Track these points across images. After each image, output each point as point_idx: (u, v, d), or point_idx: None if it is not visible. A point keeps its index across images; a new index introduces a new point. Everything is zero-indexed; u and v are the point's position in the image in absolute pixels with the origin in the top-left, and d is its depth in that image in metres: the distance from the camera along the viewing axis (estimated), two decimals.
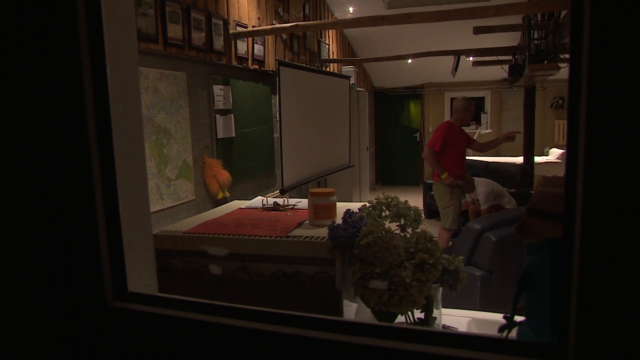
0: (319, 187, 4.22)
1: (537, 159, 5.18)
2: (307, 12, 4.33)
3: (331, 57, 5.16)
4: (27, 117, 0.54)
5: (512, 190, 4.08)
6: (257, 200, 1.24)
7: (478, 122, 7.04)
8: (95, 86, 0.53)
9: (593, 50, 0.35)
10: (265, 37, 3.62)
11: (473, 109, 3.42)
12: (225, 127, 3.05)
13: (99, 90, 0.54)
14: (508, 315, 0.56)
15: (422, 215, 0.85)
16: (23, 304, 0.57)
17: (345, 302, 0.86)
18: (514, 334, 0.57)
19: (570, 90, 0.37)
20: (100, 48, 0.53)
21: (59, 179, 0.54)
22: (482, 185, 3.86)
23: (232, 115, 3.13)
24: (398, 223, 0.84)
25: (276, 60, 3.56)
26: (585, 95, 0.35)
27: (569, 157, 0.37)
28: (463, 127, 3.46)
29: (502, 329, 0.54)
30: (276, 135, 3.68)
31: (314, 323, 0.49)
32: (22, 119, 0.55)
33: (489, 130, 6.84)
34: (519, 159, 4.90)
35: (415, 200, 5.29)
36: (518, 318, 0.57)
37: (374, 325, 0.48)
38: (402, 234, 0.82)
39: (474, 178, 3.82)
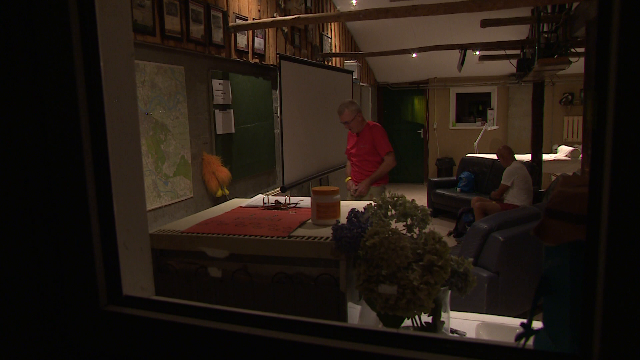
0: (320, 184, 4.20)
1: (546, 157, 5.13)
2: (308, 4, 4.27)
3: (333, 51, 5.11)
4: (16, 113, 0.52)
5: None
6: (258, 199, 1.21)
7: (484, 119, 6.97)
8: (88, 80, 0.51)
9: (624, 38, 0.32)
10: (266, 30, 3.58)
11: (339, 112, 3.04)
12: (224, 123, 3.02)
13: (92, 84, 0.51)
14: (525, 322, 0.53)
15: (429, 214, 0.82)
16: (12, 308, 0.55)
17: (350, 305, 0.84)
18: (531, 342, 0.54)
19: (597, 75, 0.34)
20: (94, 40, 0.51)
21: (50, 177, 0.51)
22: (514, 165, 3.90)
23: (232, 110, 3.09)
24: (405, 223, 0.81)
25: (277, 54, 3.52)
26: (614, 84, 0.32)
27: (594, 152, 0.35)
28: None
29: (519, 337, 0.52)
30: (277, 131, 3.65)
31: (317, 329, 0.46)
32: (10, 114, 0.52)
33: (495, 127, 6.76)
34: (527, 157, 4.85)
35: (419, 198, 5.21)
36: (536, 325, 0.54)
37: (382, 332, 0.45)
38: (409, 235, 0.80)
39: (515, 159, 3.84)
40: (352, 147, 3.06)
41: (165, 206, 2.48)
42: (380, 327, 0.79)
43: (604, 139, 0.33)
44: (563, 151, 6.02)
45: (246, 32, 3.28)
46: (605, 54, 0.33)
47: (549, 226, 0.50)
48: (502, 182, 3.90)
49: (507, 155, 3.97)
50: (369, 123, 3.04)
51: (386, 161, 2.95)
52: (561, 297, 0.50)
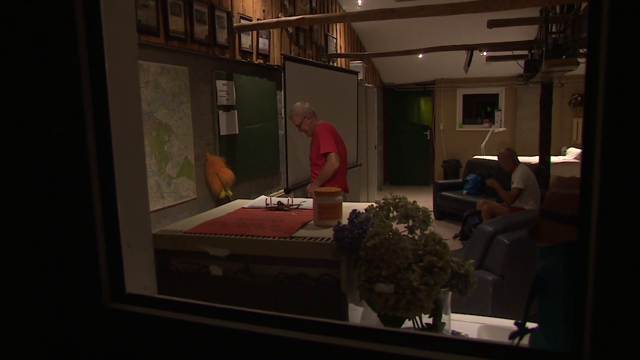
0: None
1: (554, 159, 5.05)
2: (314, 4, 4.28)
3: (339, 52, 5.12)
4: (21, 113, 0.53)
5: None
6: (261, 200, 1.22)
7: (492, 120, 6.91)
8: (93, 80, 0.52)
9: (612, 43, 0.32)
10: (271, 30, 3.59)
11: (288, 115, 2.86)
12: (228, 124, 3.03)
13: (97, 85, 0.52)
14: (520, 321, 0.53)
15: (432, 216, 0.82)
16: (16, 306, 0.56)
17: (351, 306, 0.84)
18: (525, 341, 0.55)
19: (587, 84, 0.35)
20: (99, 41, 0.52)
21: (55, 177, 0.52)
22: (525, 169, 3.78)
23: (236, 111, 3.11)
24: (406, 224, 0.81)
25: (281, 54, 3.54)
26: (603, 90, 0.33)
27: (585, 156, 0.36)
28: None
29: (513, 335, 0.52)
30: (281, 132, 3.66)
31: (318, 327, 0.47)
32: (16, 115, 0.53)
33: (503, 129, 6.70)
34: (535, 159, 4.80)
35: (424, 200, 5.22)
36: (530, 325, 0.54)
37: (380, 330, 0.46)
38: (410, 236, 0.80)
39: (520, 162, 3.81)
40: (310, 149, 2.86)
41: (168, 207, 2.49)
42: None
43: (593, 141, 0.34)
44: (572, 153, 5.94)
45: (250, 32, 3.30)
46: (595, 59, 0.33)
47: (542, 227, 0.50)
48: (514, 185, 3.71)
49: (512, 158, 3.81)
50: (320, 124, 2.79)
51: (327, 162, 2.67)
52: (555, 297, 0.50)
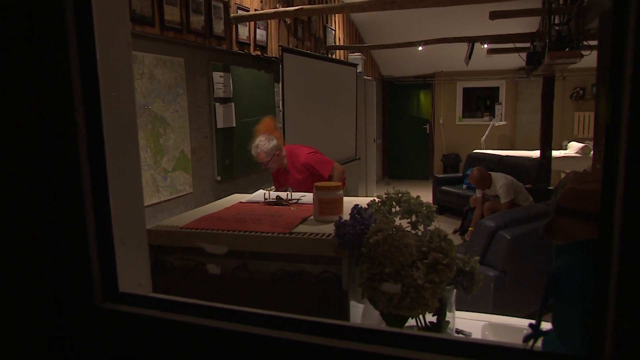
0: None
1: (555, 153, 5.04)
2: None
3: (337, 44, 5.06)
4: (7, 105, 0.50)
5: (527, 186, 3.94)
6: (259, 194, 1.20)
7: (492, 114, 6.88)
8: (83, 71, 0.49)
9: None
10: (268, 21, 3.54)
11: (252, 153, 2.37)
12: (225, 117, 3.00)
13: (88, 76, 0.50)
14: (534, 323, 0.51)
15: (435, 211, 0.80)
16: (4, 305, 0.54)
17: (352, 304, 0.82)
18: (539, 344, 0.53)
19: (612, 65, 0.32)
20: (89, 29, 0.49)
21: (44, 171, 0.50)
22: (500, 178, 3.73)
23: (233, 104, 3.07)
24: (409, 220, 0.79)
25: (279, 46, 3.49)
26: (631, 73, 0.30)
27: (608, 147, 0.33)
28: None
29: (527, 338, 0.50)
30: (279, 125, 3.62)
31: (319, 328, 0.45)
32: (3, 107, 0.50)
33: (503, 122, 6.67)
34: (535, 153, 4.78)
35: (424, 195, 5.14)
36: (545, 326, 0.52)
37: (385, 332, 0.44)
38: (414, 232, 0.78)
39: (490, 173, 3.70)
40: (290, 183, 2.33)
41: (164, 201, 2.47)
42: (383, 326, 0.77)
43: (619, 132, 0.32)
44: (573, 147, 5.92)
45: (248, 23, 3.25)
46: (621, 44, 0.31)
47: (559, 224, 0.48)
48: (504, 200, 3.58)
49: (485, 176, 3.71)
50: (289, 150, 2.36)
51: (335, 172, 2.33)
52: (571, 298, 0.49)
